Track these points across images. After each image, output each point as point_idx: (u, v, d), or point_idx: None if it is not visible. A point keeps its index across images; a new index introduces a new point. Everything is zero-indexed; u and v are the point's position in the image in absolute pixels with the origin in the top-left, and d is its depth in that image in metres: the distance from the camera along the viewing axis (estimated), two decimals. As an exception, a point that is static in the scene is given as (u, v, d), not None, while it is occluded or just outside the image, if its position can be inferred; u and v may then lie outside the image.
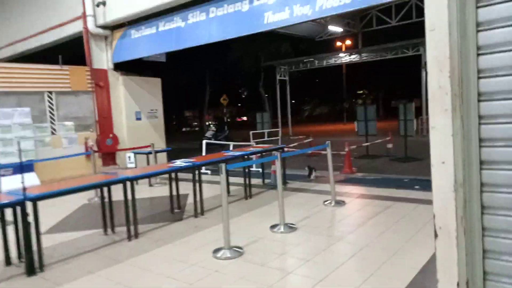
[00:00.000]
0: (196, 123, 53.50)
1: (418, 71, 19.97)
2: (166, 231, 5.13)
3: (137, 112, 12.20)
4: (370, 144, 12.04)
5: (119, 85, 11.85)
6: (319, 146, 6.42)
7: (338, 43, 34.26)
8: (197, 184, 5.71)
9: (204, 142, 9.68)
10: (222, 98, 26.35)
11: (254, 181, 7.72)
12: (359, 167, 10.43)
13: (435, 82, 1.82)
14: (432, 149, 1.87)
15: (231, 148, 10.21)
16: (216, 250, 4.15)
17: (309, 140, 13.80)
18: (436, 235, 1.84)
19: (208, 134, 18.36)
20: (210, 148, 17.92)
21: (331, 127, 37.16)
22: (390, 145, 12.39)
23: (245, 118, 62.61)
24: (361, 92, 65.64)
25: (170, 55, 12.94)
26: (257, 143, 15.89)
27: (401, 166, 10.45)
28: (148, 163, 8.51)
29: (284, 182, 7.40)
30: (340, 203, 5.94)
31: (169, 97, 41.92)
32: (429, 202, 5.74)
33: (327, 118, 57.34)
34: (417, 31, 22.08)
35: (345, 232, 4.63)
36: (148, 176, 4.97)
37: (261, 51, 25.71)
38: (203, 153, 9.71)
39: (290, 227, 4.83)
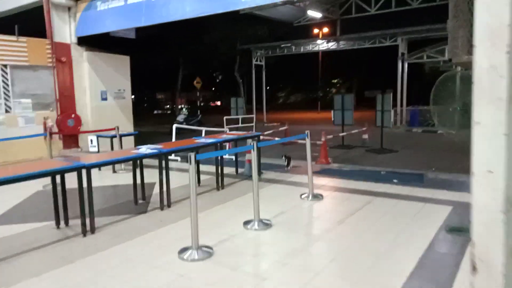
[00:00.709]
0: (168, 106, 52.28)
1: (394, 62, 19.91)
2: (127, 225, 4.61)
3: (102, 91, 11.39)
4: (346, 134, 11.80)
5: (83, 61, 10.97)
6: (298, 135, 6.01)
7: (316, 30, 33.98)
8: (164, 173, 5.20)
9: (174, 126, 9.08)
10: (195, 81, 25.51)
11: (227, 170, 7.27)
12: (335, 158, 10.17)
13: (485, 61, 1.34)
14: (474, 153, 1.40)
15: (203, 134, 9.68)
16: (183, 250, 3.69)
17: (284, 128, 13.43)
18: (474, 269, 1.41)
19: (180, 118, 17.65)
20: (182, 133, 17.29)
21: (305, 115, 37.03)
22: (365, 136, 12.22)
23: (219, 103, 61.72)
24: (336, 81, 66.04)
25: (141, 32, 12.12)
26: (230, 129, 15.40)
27: (376, 158, 10.28)
28: (112, 147, 7.86)
29: (259, 173, 6.99)
30: (317, 197, 5.59)
31: (141, 78, 40.56)
32: (410, 198, 5.50)
33: (301, 106, 57.34)
34: (395, 21, 22.05)
35: (324, 230, 4.28)
36: (106, 164, 4.41)
37: (238, 34, 24.95)
38: (173, 139, 9.13)
39: (265, 224, 4.43)
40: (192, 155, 3.58)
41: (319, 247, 3.81)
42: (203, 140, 6.01)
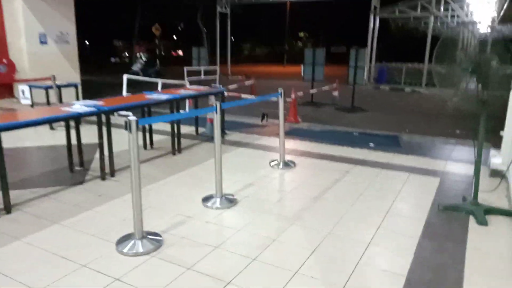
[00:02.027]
0: (127, 54, 49.29)
1: (361, 17, 19.07)
2: (57, 201, 3.70)
3: (41, 34, 9.81)
4: (316, 92, 11.07)
5: (14, -4, 9.28)
6: (270, 95, 5.17)
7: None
8: (106, 135, 4.24)
9: (125, 77, 7.89)
10: (154, 28, 23.48)
11: (186, 129, 6.38)
12: (304, 116, 9.50)
13: None
14: None
15: (159, 88, 8.59)
16: (123, 240, 2.89)
17: (250, 82, 12.48)
18: None
19: (135, 67, 16.11)
20: (136, 85, 15.89)
21: (271, 68, 35.89)
22: (335, 93, 11.57)
23: (181, 53, 58.90)
24: (302, 35, 64.51)
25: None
26: (191, 82, 14.12)
27: (347, 117, 9.71)
28: (48, 101, 6.68)
29: (222, 134, 6.17)
30: (289, 164, 4.89)
31: (96, 22, 37.31)
32: (392, 167, 4.91)
33: (267, 59, 55.84)
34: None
35: (299, 209, 3.59)
36: (16, 127, 3.37)
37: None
38: (124, 92, 7.99)
39: (229, 201, 3.68)
40: (133, 120, 2.66)
41: (294, 233, 3.12)
42: (156, 96, 5.02)
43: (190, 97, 5.35)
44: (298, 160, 5.12)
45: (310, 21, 53.32)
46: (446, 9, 19.29)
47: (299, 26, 53.13)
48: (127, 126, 2.65)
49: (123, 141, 3.11)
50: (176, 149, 5.36)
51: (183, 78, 14.35)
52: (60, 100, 6.83)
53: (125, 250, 2.77)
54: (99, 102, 4.36)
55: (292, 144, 6.01)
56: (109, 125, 4.26)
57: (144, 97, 4.89)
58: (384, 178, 4.45)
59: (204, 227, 3.21)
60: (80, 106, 4.05)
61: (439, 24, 24.57)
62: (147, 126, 5.49)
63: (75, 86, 7.04)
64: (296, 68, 34.56)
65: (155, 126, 6.19)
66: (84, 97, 10.99)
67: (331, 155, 5.42)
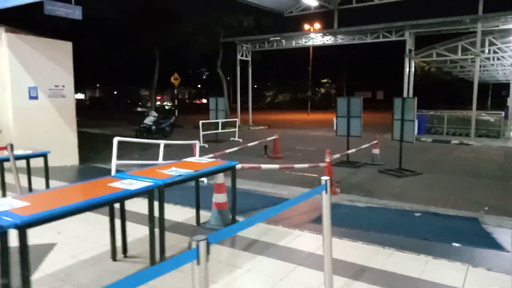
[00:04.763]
0: (149, 103, 49.71)
1: (389, 60, 17.47)
2: None
3: (31, 88, 8.50)
4: (355, 151, 9.12)
5: (0, 45, 8.08)
6: (315, 190, 3.32)
7: (306, 26, 31.33)
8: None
9: (115, 141, 6.23)
10: (172, 77, 22.63)
11: (180, 214, 4.57)
12: (341, 182, 7.58)
13: None
14: None
15: (161, 151, 6.91)
16: None
17: (272, 138, 10.73)
18: None
19: (147, 121, 14.72)
20: (149, 138, 14.40)
21: (294, 116, 34.43)
22: (376, 151, 9.61)
23: (205, 101, 58.95)
24: (325, 80, 63.75)
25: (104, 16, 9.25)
26: (206, 140, 12.45)
27: (396, 183, 7.66)
28: (2, 179, 5.04)
29: (234, 222, 4.29)
30: (339, 300, 2.90)
31: (121, 72, 37.39)
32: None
33: (290, 106, 54.88)
34: (399, 13, 19.59)
35: None
36: None
37: (220, 24, 22.12)
38: (113, 156, 6.31)
39: None
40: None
41: None
42: (127, 183, 3.22)
43: (182, 181, 3.53)
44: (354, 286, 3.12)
45: (333, 66, 52.59)
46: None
47: (322, 71, 52.32)
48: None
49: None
50: (160, 255, 3.47)
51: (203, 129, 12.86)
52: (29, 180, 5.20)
53: None
54: (17, 203, 2.58)
55: (335, 243, 4.03)
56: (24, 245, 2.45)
57: (106, 187, 3.10)
58: None
59: None
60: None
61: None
62: (117, 223, 3.66)
63: (44, 155, 5.39)
64: (321, 115, 33.01)
65: (132, 208, 4.42)
66: (80, 155, 9.56)
67: (403, 275, 3.40)
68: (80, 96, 64.77)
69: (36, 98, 8.61)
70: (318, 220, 4.53)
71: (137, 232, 4.15)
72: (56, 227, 4.15)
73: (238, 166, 4.55)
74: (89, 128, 18.85)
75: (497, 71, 29.51)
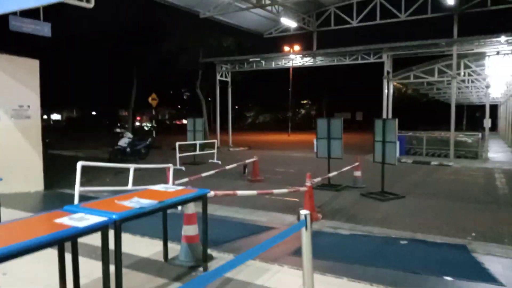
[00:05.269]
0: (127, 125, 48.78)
1: (367, 82, 17.59)
2: None
3: (-9, 108, 7.93)
4: (337, 174, 8.82)
5: (-44, 63, 7.54)
6: (295, 226, 2.95)
7: (286, 48, 31.61)
8: None
9: (79, 165, 5.71)
10: (150, 98, 22.16)
11: (146, 248, 4.09)
12: (323, 207, 7.24)
13: None
14: None
15: (130, 175, 6.42)
16: None
17: (252, 160, 10.36)
18: None
19: (122, 142, 14.13)
20: (124, 160, 13.79)
21: (275, 137, 34.28)
22: (358, 173, 9.35)
23: (185, 122, 58.36)
24: (305, 101, 64.37)
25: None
26: (183, 162, 11.95)
27: (379, 208, 7.37)
28: None
29: (205, 258, 3.83)
30: None
31: (102, 92, 36.65)
32: None
33: (270, 126, 54.96)
34: (379, 35, 19.89)
35: None
36: None
37: (199, 45, 21.96)
38: (76, 182, 5.78)
39: None
40: None
41: None
42: (77, 218, 2.76)
43: (145, 213, 3.09)
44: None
45: (311, 87, 53.12)
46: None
47: (302, 92, 52.80)
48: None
49: None
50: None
51: (181, 151, 12.37)
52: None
53: None
54: None
55: (316, 278, 3.62)
56: None
57: (52, 223, 2.64)
58: None
59: None
60: None
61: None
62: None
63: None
64: (301, 136, 32.98)
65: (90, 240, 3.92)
66: (47, 179, 8.92)
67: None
68: (57, 116, 63.14)
69: (-4, 119, 8.02)
70: (299, 252, 4.14)
71: (96, 271, 3.65)
72: (1, 267, 3.63)
73: (211, 193, 4.14)
74: (62, 150, 18.04)
75: (471, 93, 30.32)
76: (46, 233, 2.48)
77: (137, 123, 54.51)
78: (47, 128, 35.46)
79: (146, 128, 51.98)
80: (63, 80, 33.52)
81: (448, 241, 5.30)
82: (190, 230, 4.00)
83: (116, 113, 57.72)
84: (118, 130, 14.96)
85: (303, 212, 2.27)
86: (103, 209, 2.98)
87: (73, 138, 28.93)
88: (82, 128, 44.92)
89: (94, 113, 57.65)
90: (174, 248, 4.29)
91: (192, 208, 3.98)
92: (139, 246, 4.56)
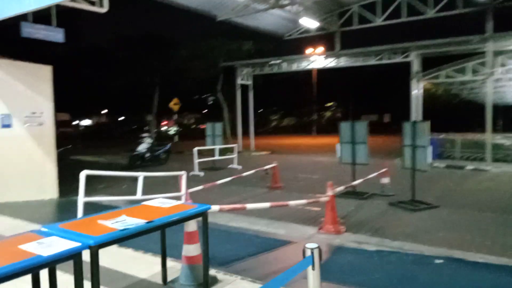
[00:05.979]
0: (156, 129, 49.42)
1: (394, 82, 16.72)
2: None
3: (3, 116, 7.79)
4: (362, 181, 8.17)
5: (-32, 70, 7.44)
6: (298, 265, 2.45)
7: (308, 50, 30.88)
8: None
9: (83, 174, 5.36)
10: (172, 102, 22.04)
11: (144, 269, 3.64)
12: (346, 218, 6.64)
13: None
14: None
15: (139, 185, 6.02)
16: None
17: (271, 165, 9.83)
18: None
19: (141, 148, 13.93)
20: (143, 166, 13.57)
21: (299, 140, 33.50)
22: (385, 180, 8.64)
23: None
24: (330, 104, 63.16)
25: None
26: (202, 168, 11.60)
27: (410, 219, 6.67)
28: None
29: (206, 284, 3.35)
30: None
31: (126, 99, 37.08)
32: None
33: (295, 130, 54.10)
34: (405, 34, 18.98)
35: None
36: None
37: (219, 49, 21.70)
38: (80, 193, 5.43)
39: None
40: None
41: None
42: (45, 244, 2.34)
43: (129, 236, 2.63)
44: None
45: (338, 89, 52.01)
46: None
47: (327, 94, 51.78)
48: None
49: None
50: None
51: (202, 155, 12.02)
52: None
53: None
54: None
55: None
56: None
57: (16, 250, 2.22)
58: None
59: None
60: None
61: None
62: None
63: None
64: (326, 139, 32.08)
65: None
66: (63, 187, 8.73)
67: None
68: (87, 122, 64.84)
69: (9, 126, 7.88)
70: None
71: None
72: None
73: (215, 208, 3.66)
74: (84, 156, 18.10)
75: (505, 92, 28.60)
76: (7, 264, 2.06)
77: (164, 128, 54.93)
78: (73, 135, 36.17)
79: (170, 133, 52.32)
80: (90, 87, 34.31)
81: (492, 261, 4.60)
82: (192, 249, 3.52)
83: (142, 118, 58.53)
84: (144, 134, 14.77)
85: (310, 246, 1.75)
86: (81, 231, 2.55)
87: (98, 144, 29.24)
88: (108, 133, 45.59)
89: (122, 118, 58.64)
90: (177, 268, 3.83)
91: (193, 225, 3.51)
92: (138, 264, 4.13)
